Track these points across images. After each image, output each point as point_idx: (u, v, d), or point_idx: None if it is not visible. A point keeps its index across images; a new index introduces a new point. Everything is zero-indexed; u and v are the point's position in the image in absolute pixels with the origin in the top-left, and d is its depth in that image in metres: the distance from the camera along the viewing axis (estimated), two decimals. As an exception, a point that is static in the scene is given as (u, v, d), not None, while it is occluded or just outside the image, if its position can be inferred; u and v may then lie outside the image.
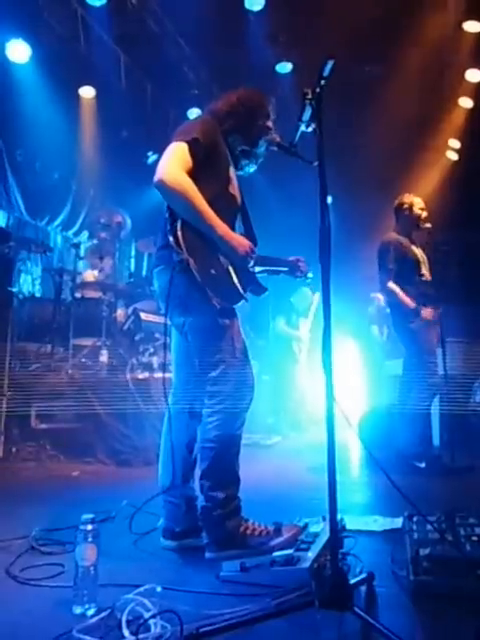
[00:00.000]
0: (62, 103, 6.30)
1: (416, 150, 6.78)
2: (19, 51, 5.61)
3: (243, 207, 2.30)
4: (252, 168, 2.33)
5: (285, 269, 2.39)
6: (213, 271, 1.97)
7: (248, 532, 2.00)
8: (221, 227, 1.97)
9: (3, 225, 6.34)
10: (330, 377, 1.46)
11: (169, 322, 2.16)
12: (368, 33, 5.40)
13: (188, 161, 1.97)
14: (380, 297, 6.15)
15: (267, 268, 2.36)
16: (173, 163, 1.95)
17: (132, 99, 6.73)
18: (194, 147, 1.99)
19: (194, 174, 1.98)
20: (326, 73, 1.59)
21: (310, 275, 2.39)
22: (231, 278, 2.05)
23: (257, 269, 2.27)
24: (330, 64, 1.58)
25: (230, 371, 2.03)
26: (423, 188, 6.33)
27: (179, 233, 1.93)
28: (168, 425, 2.14)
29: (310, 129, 1.74)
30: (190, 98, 6.83)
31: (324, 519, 2.00)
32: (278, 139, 2.15)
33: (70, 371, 4.47)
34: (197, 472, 2.12)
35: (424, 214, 3.92)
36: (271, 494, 2.95)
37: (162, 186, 1.93)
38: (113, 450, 3.99)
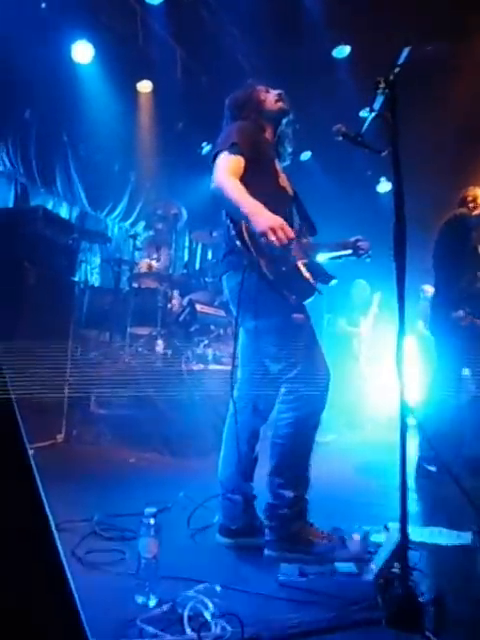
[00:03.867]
0: (121, 98, 6.38)
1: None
2: (83, 52, 5.75)
3: (296, 197, 2.28)
4: (289, 150, 2.37)
5: (348, 252, 2.34)
6: (283, 268, 1.93)
7: (312, 537, 1.95)
8: (249, 205, 1.90)
9: (67, 217, 6.47)
10: (402, 382, 1.37)
11: (239, 325, 2.16)
12: (433, 8, 5.11)
13: (233, 166, 2.03)
14: (429, 289, 5.90)
15: (331, 254, 2.31)
16: (218, 171, 2.03)
17: (188, 92, 6.72)
18: (234, 152, 2.04)
19: (243, 176, 2.03)
20: (401, 60, 1.50)
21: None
22: (301, 272, 2.01)
23: (321, 258, 2.23)
24: (406, 51, 1.48)
25: (307, 371, 2.01)
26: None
27: (245, 234, 1.92)
28: (232, 420, 2.12)
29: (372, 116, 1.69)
30: (246, 87, 6.74)
31: (387, 529, 1.90)
32: (344, 129, 2.06)
33: (127, 359, 4.53)
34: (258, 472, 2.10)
35: None
36: (325, 495, 2.83)
37: (213, 193, 1.99)
38: (168, 439, 4.01)
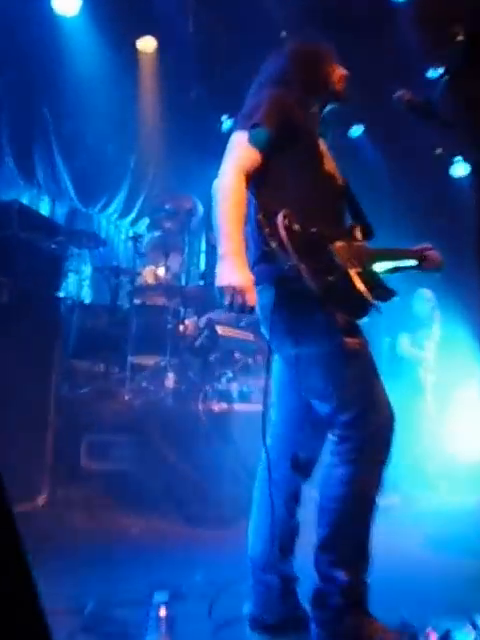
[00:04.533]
0: (117, 60, 6.57)
1: None
2: (67, 2, 5.84)
3: (347, 189, 2.30)
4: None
5: (411, 264, 2.36)
6: (330, 277, 1.93)
7: (373, 635, 1.92)
8: (227, 246, 1.96)
9: (49, 215, 6.64)
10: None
11: (274, 353, 2.17)
12: None
13: (246, 159, 2.07)
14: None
15: (388, 265, 2.32)
16: (227, 165, 2.07)
17: (202, 50, 6.83)
18: (257, 138, 2.07)
19: (268, 167, 2.07)
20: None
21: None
22: (355, 284, 2.01)
23: (377, 269, 2.24)
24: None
25: (367, 411, 2.01)
26: None
27: (283, 232, 1.92)
28: (265, 476, 2.11)
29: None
30: (277, 43, 6.80)
31: (475, 627, 1.88)
32: (409, 96, 2.08)
33: (128, 397, 4.59)
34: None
35: None
36: (390, 578, 2.79)
37: (212, 195, 2.04)
38: (180, 501, 4.03)
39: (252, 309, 1.94)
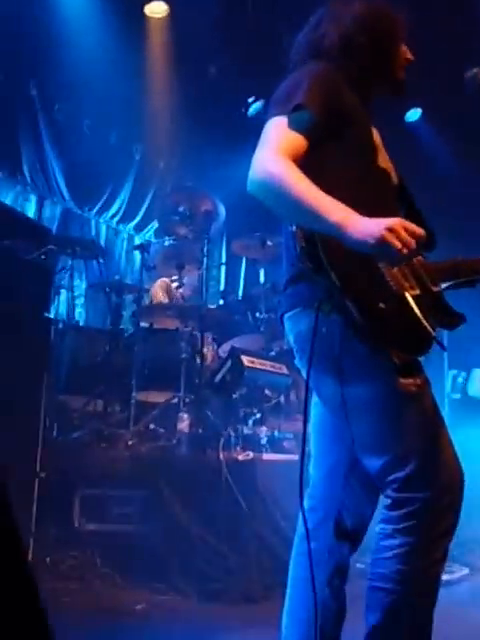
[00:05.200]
0: (121, 29, 6.64)
1: None
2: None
3: (403, 188, 2.31)
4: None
5: None
6: (382, 304, 1.93)
7: None
8: (336, 211, 1.88)
9: (35, 217, 6.72)
10: None
11: (312, 391, 2.18)
12: None
13: (293, 143, 2.02)
14: None
15: (452, 282, 2.30)
16: (264, 149, 2.01)
17: (224, 17, 6.89)
18: (300, 119, 2.03)
19: (308, 162, 2.02)
20: None
21: None
22: (411, 310, 1.99)
23: (442, 285, 2.23)
24: None
25: (428, 468, 2.00)
26: None
27: (320, 247, 1.91)
28: (302, 547, 2.13)
29: None
30: (316, 6, 6.82)
31: None
32: None
33: (131, 442, 4.61)
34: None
35: None
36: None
37: (252, 186, 1.98)
38: (196, 573, 4.03)
39: (429, 237, 1.87)
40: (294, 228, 2.03)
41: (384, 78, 2.30)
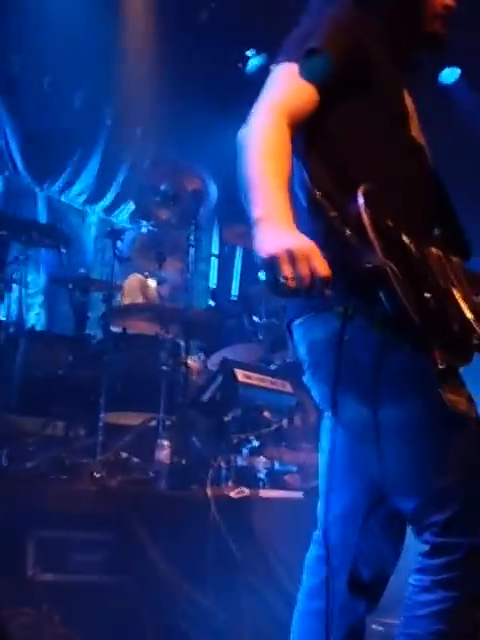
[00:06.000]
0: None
1: None
2: None
3: (433, 171, 2.33)
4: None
5: None
6: (427, 294, 1.96)
7: None
8: (263, 207, 1.89)
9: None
10: None
11: (326, 412, 2.22)
12: None
13: (299, 94, 2.05)
14: None
15: None
16: (261, 104, 2.05)
17: None
18: (316, 64, 2.05)
19: (325, 118, 2.07)
20: None
21: None
22: (459, 308, 2.03)
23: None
24: None
25: (475, 508, 2.00)
26: None
27: (365, 217, 1.90)
28: (308, 605, 2.18)
29: None
30: None
31: None
32: None
33: (98, 475, 4.62)
34: None
35: None
36: None
37: (237, 147, 2.01)
38: (178, 635, 4.04)
39: (328, 283, 1.81)
40: (316, 192, 2.06)
41: (414, 29, 2.31)
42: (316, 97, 2.04)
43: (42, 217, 7.31)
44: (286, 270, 1.78)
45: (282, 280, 1.79)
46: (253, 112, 2.03)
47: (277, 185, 1.91)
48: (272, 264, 1.79)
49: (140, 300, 5.89)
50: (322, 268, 1.80)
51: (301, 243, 1.81)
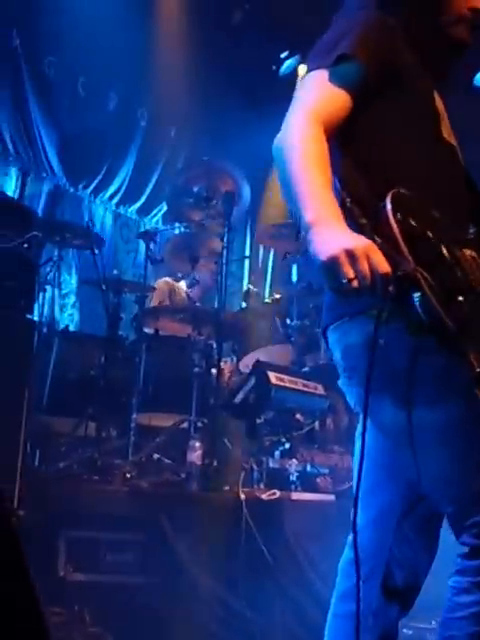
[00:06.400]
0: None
1: None
2: None
3: (466, 172, 2.34)
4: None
5: None
6: (461, 297, 1.94)
7: None
8: (315, 210, 1.92)
9: (17, 196, 6.76)
10: None
11: (368, 416, 2.19)
12: None
13: (332, 101, 2.07)
14: None
15: None
16: (295, 112, 2.07)
17: None
18: (347, 71, 2.07)
19: (357, 125, 2.08)
20: None
21: None
22: None
23: None
24: None
25: None
26: None
27: (394, 223, 1.91)
28: (341, 607, 2.18)
29: None
30: None
31: None
32: None
33: (130, 475, 4.63)
34: None
35: None
36: None
37: (274, 154, 2.04)
38: (207, 634, 4.03)
39: (390, 280, 1.82)
40: (347, 199, 2.05)
41: (436, 33, 2.31)
42: (349, 103, 2.06)
43: (80, 219, 7.23)
44: (348, 271, 1.79)
45: (344, 281, 1.80)
46: (288, 119, 2.05)
47: (324, 187, 1.94)
48: (333, 266, 1.81)
49: (171, 303, 5.90)
50: (382, 265, 1.82)
51: (358, 242, 1.83)
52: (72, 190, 7.45)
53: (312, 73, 2.11)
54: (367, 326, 1.99)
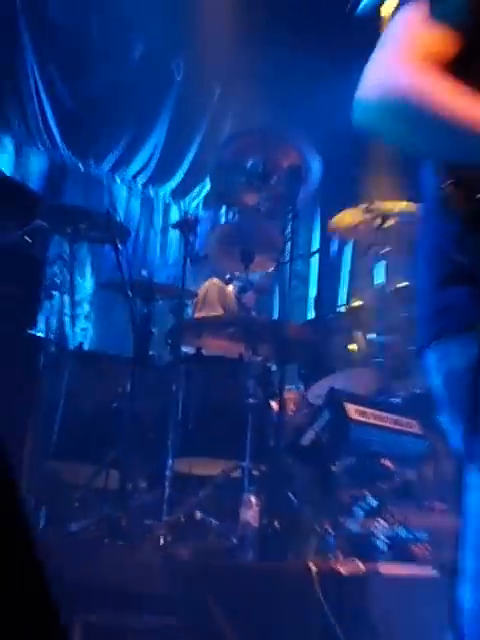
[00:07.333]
0: None
1: None
2: None
3: None
4: None
5: None
6: None
7: None
8: None
9: (18, 176, 6.81)
10: None
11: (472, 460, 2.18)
12: None
13: (433, 43, 2.11)
14: None
15: None
16: (388, 56, 2.13)
17: None
18: (450, 5, 2.12)
19: (469, 68, 2.08)
20: None
21: None
22: None
23: None
24: None
25: None
26: None
27: None
28: None
29: None
30: None
31: None
32: None
33: (164, 540, 4.64)
34: None
35: None
36: None
37: (363, 112, 2.08)
38: None
39: None
40: (448, 185, 2.05)
41: None
42: (455, 41, 2.08)
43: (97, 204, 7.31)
44: None
45: None
46: (379, 69, 2.08)
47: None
48: None
49: (216, 312, 5.88)
50: None
51: None
52: (82, 167, 7.49)
53: (406, 7, 2.14)
54: (474, 347, 2.02)
